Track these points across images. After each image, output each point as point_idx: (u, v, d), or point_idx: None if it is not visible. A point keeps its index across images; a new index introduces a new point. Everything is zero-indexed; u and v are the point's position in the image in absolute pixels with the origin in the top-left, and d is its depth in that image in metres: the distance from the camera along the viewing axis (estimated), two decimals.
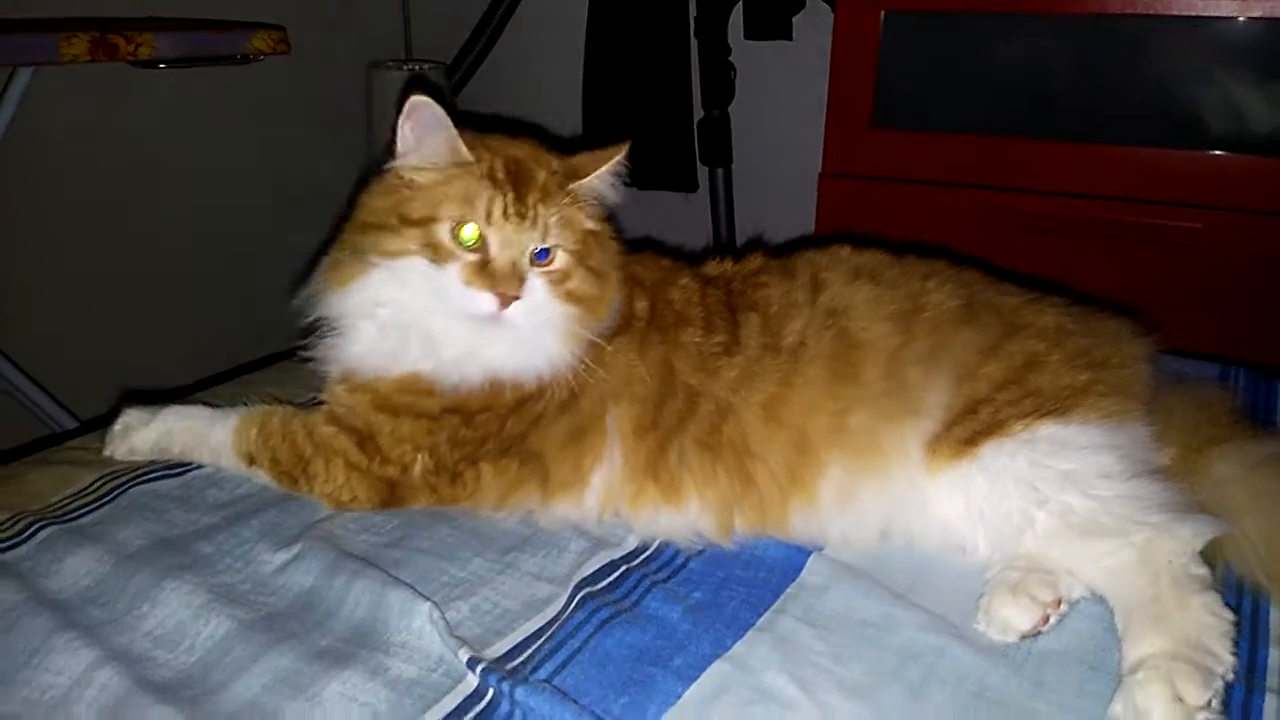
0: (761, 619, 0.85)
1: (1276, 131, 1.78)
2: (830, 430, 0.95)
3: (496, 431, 0.97)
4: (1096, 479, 0.87)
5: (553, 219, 0.93)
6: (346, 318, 0.98)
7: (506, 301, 0.90)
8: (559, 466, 0.96)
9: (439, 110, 0.91)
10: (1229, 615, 0.78)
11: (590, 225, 0.98)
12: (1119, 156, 1.88)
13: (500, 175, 0.92)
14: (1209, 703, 0.72)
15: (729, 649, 0.81)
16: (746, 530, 0.96)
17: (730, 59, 2.39)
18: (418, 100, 0.91)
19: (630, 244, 1.10)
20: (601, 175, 0.97)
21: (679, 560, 0.94)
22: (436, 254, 0.91)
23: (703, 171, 2.52)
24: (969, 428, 0.93)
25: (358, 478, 0.97)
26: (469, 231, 0.91)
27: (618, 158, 0.97)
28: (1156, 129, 1.86)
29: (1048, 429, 0.91)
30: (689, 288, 1.06)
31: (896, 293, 1.02)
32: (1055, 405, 0.92)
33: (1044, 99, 1.96)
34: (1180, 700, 0.71)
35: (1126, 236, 1.89)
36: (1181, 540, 0.82)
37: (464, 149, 0.93)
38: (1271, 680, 0.78)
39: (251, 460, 1.00)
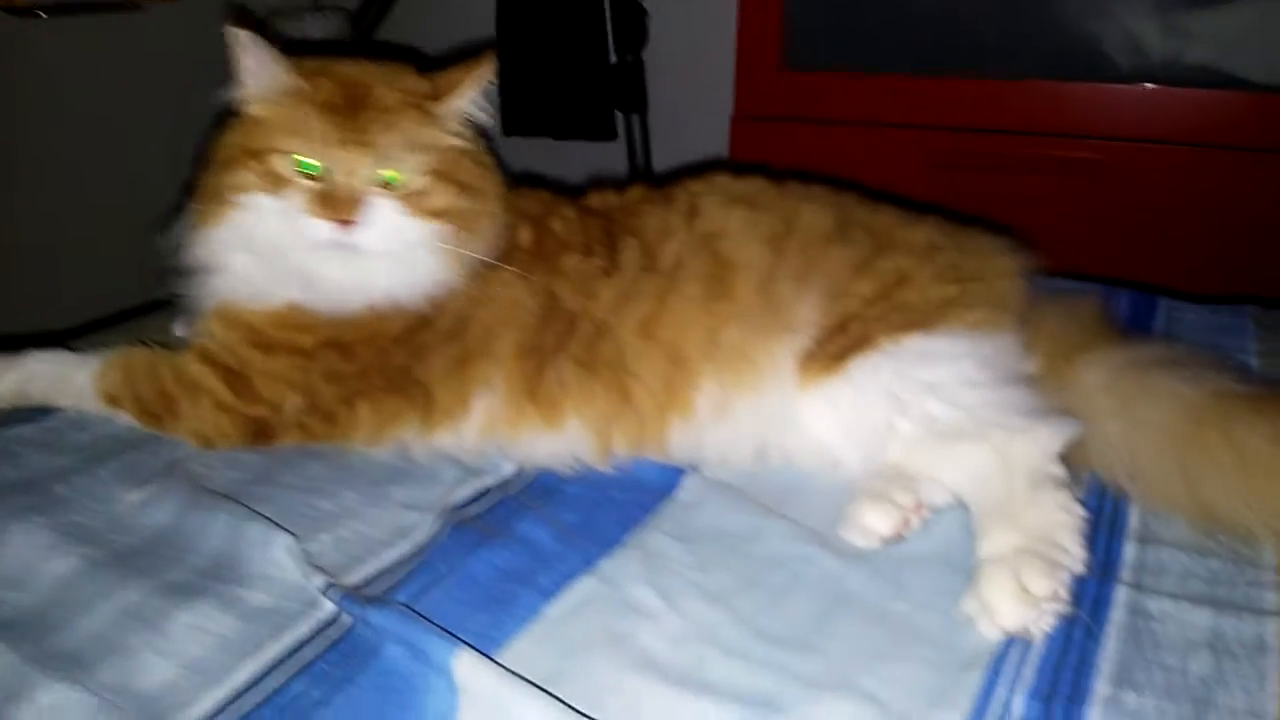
0: (632, 536, 0.85)
1: (1172, 62, 1.81)
2: (705, 345, 0.95)
3: (378, 365, 0.95)
4: (958, 387, 0.88)
5: (395, 140, 0.91)
6: (217, 254, 0.96)
7: (346, 227, 0.89)
8: (443, 395, 0.95)
9: (260, 41, 0.89)
10: (1080, 511, 0.79)
11: (454, 142, 0.96)
12: (1027, 91, 1.89)
13: (337, 101, 0.90)
14: (1054, 593, 0.73)
15: (595, 565, 0.81)
16: (625, 450, 0.96)
17: (641, 2, 2.35)
18: (236, 33, 0.89)
19: (515, 179, 1.08)
20: (464, 93, 0.95)
21: (554, 485, 0.93)
22: (276, 185, 0.90)
23: (620, 120, 2.49)
24: (839, 344, 0.93)
25: (226, 417, 0.95)
26: (306, 160, 0.89)
27: (480, 73, 0.95)
28: (1062, 62, 1.88)
29: (913, 341, 0.91)
30: (570, 217, 1.05)
31: (771, 215, 1.02)
32: (922, 318, 0.93)
33: (952, 35, 1.97)
34: (1026, 591, 0.72)
35: (1035, 169, 1.90)
36: (1038, 442, 0.83)
37: (294, 78, 0.91)
38: (1125, 574, 0.80)
39: (114, 401, 0.98)
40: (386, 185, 0.91)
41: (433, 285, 0.94)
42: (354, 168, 0.90)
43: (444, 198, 0.93)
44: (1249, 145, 1.76)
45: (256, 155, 0.90)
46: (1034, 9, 1.88)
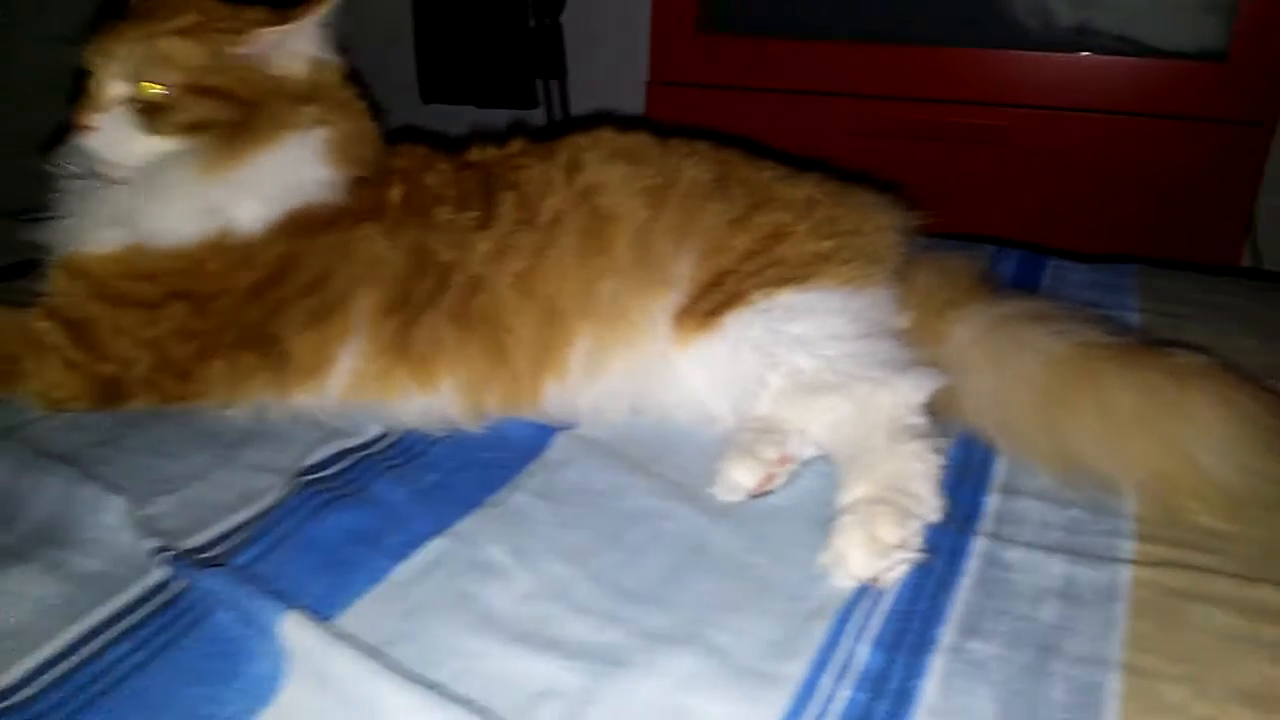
0: (494, 496, 0.83)
1: (1081, 28, 1.81)
2: (580, 300, 0.93)
3: (232, 321, 0.91)
4: (826, 340, 0.87)
5: (136, 51, 0.89)
6: (61, 191, 0.94)
7: (85, 133, 0.90)
8: (300, 350, 0.91)
9: None
10: (937, 460, 0.79)
11: (244, 63, 0.93)
12: (940, 58, 1.89)
13: (131, 14, 0.91)
14: (905, 541, 0.72)
15: (451, 526, 0.78)
16: (499, 408, 0.93)
17: None
18: None
19: (391, 136, 1.05)
20: (285, 27, 0.93)
21: (420, 446, 0.90)
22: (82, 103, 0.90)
23: (540, 86, 2.45)
24: (714, 299, 0.92)
25: (74, 376, 0.91)
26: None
27: (310, 13, 0.93)
28: (976, 29, 1.88)
29: (786, 296, 0.90)
30: (445, 171, 1.02)
31: (651, 169, 1.00)
32: (796, 273, 0.91)
33: (866, 2, 1.96)
34: (877, 540, 0.71)
35: (948, 136, 1.91)
36: (899, 393, 0.82)
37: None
38: (986, 524, 0.79)
39: None
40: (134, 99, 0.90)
41: (215, 211, 0.91)
42: (101, 75, 0.90)
43: (197, 110, 0.90)
44: (1155, 111, 1.78)
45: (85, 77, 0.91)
46: None
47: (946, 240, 1.22)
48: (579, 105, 2.45)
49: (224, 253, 0.90)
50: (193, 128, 0.90)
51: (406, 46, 2.47)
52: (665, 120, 2.04)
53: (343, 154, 0.96)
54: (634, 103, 2.13)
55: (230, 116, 0.91)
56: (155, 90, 0.90)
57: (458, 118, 2.43)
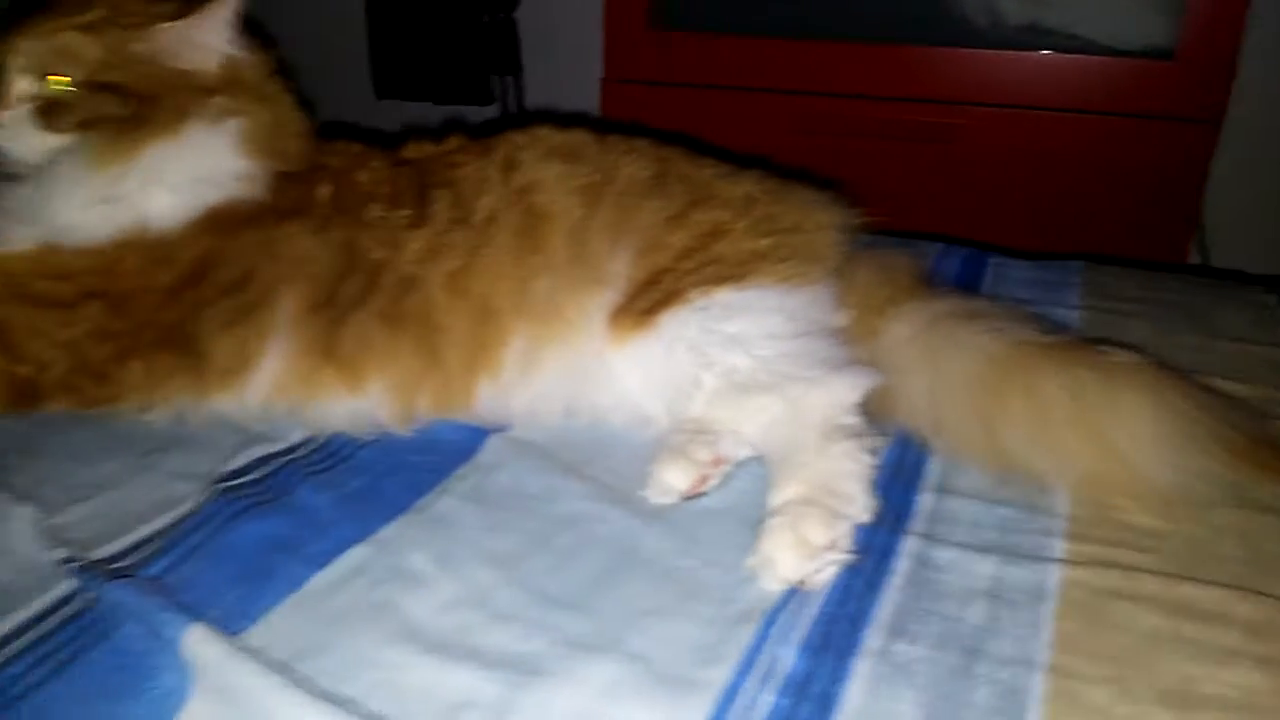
0: (421, 501, 0.81)
1: (1029, 26, 1.82)
2: (514, 298, 0.92)
3: (151, 320, 0.88)
4: (761, 339, 0.86)
5: (37, 47, 0.87)
6: None
7: None
8: (219, 350, 0.89)
9: None
10: (869, 460, 0.78)
11: (144, 58, 0.90)
12: (892, 56, 1.89)
13: (44, 9, 0.89)
14: (835, 542, 0.71)
15: (375, 532, 0.76)
16: (431, 410, 0.91)
17: None
18: None
19: (324, 132, 1.03)
20: (190, 21, 0.90)
21: (346, 450, 0.88)
22: None
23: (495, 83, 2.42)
24: (650, 298, 0.91)
25: None
26: None
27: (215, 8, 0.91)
28: (926, 27, 1.88)
29: (723, 294, 0.89)
30: (379, 169, 1.00)
31: (588, 167, 0.98)
32: (733, 271, 0.90)
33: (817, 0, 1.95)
34: (805, 542, 0.70)
35: (899, 134, 1.91)
36: (832, 392, 0.82)
37: None
38: (918, 524, 0.79)
39: None
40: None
41: (121, 206, 0.89)
42: (7, 72, 0.88)
43: (92, 105, 0.88)
44: (1105, 109, 1.79)
45: None
46: None
47: (893, 238, 1.22)
48: (536, 102, 2.43)
49: (142, 251, 0.88)
50: (86, 124, 0.88)
51: (362, 42, 2.44)
52: (619, 117, 2.05)
53: (261, 145, 0.94)
54: (590, 100, 2.12)
55: (125, 111, 0.88)
56: (59, 86, 0.87)
57: (416, 113, 2.41)
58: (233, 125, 0.92)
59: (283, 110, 0.97)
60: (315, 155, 0.99)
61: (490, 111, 2.44)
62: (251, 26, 0.96)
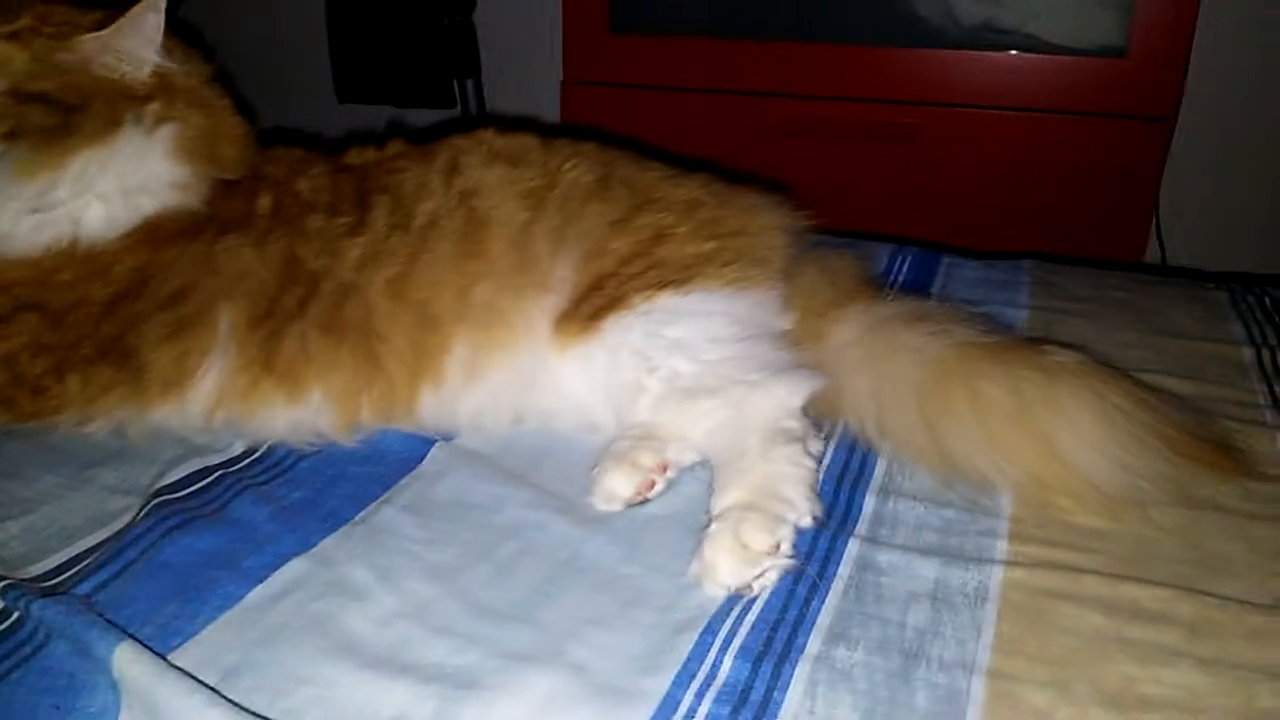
0: (362, 513, 0.80)
1: (984, 26, 1.83)
2: (455, 305, 0.91)
3: (89, 333, 0.87)
4: (705, 343, 0.86)
5: None
6: None
7: None
8: (158, 362, 0.87)
9: None
10: (810, 464, 0.78)
11: (72, 66, 0.88)
12: (850, 57, 1.90)
13: None
14: (777, 547, 0.71)
15: (314, 546, 0.75)
16: (374, 420, 0.90)
17: None
18: None
19: (263, 138, 1.01)
20: (111, 31, 0.88)
21: (288, 461, 0.87)
22: None
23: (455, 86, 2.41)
24: (594, 303, 0.90)
25: None
26: None
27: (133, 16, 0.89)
28: (884, 27, 1.89)
29: (666, 299, 0.89)
30: (319, 176, 0.99)
31: (531, 171, 0.98)
32: (677, 275, 0.90)
33: (775, 0, 1.96)
34: (745, 547, 0.70)
35: (857, 134, 1.91)
36: (775, 396, 0.82)
37: None
38: (862, 527, 0.79)
39: None
40: None
41: (52, 216, 0.87)
42: None
43: (18, 117, 0.86)
44: (1060, 108, 1.81)
45: None
46: None
47: (848, 238, 1.22)
48: (497, 105, 2.42)
49: (77, 262, 0.86)
50: (13, 134, 0.86)
51: (323, 47, 2.42)
52: (580, 120, 2.04)
53: (197, 152, 0.92)
54: (552, 103, 2.11)
55: (53, 120, 0.86)
56: None
57: (380, 117, 2.40)
58: (166, 133, 0.91)
59: (219, 116, 0.96)
60: (256, 162, 0.98)
61: (453, 114, 2.42)
62: (188, 34, 0.95)
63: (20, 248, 0.86)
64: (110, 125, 0.88)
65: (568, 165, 0.98)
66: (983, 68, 1.84)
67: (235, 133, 0.96)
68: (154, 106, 0.91)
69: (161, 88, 0.91)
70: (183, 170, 0.91)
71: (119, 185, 0.88)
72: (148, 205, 0.89)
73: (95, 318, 0.87)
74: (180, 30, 0.95)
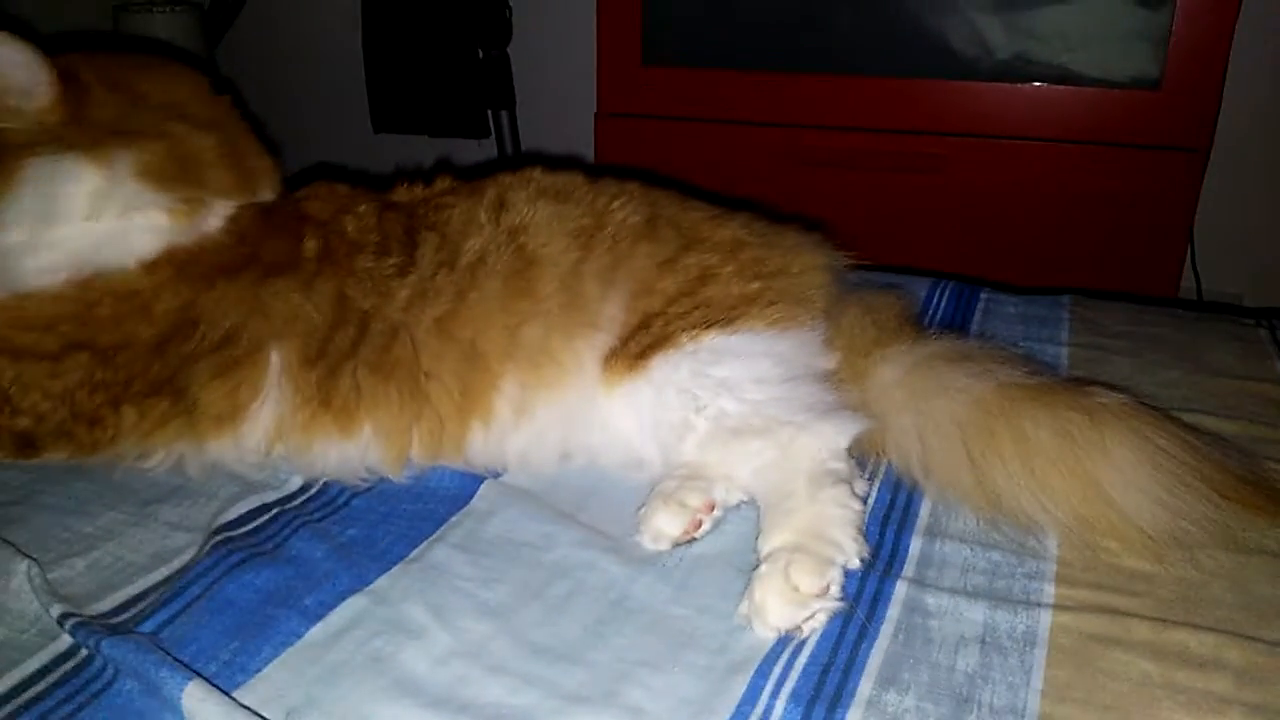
0: (416, 550, 0.82)
1: (1016, 58, 1.84)
2: (504, 344, 0.92)
3: (141, 373, 0.89)
4: (751, 384, 0.87)
5: None
6: None
7: None
8: (210, 399, 0.89)
9: None
10: (857, 506, 0.79)
11: None
12: (883, 89, 1.92)
13: None
14: (826, 589, 0.72)
15: (371, 583, 0.77)
16: (423, 456, 0.92)
17: None
18: None
19: (304, 176, 1.03)
20: None
21: (342, 499, 0.89)
22: None
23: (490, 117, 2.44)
24: (642, 342, 0.92)
25: None
26: None
27: None
28: (918, 60, 1.90)
29: (712, 339, 0.90)
30: (366, 215, 1.00)
31: (579, 210, 0.99)
32: (723, 315, 0.91)
33: (808, 32, 1.98)
34: (795, 589, 0.71)
35: (889, 166, 1.93)
36: (822, 437, 0.83)
37: None
38: (909, 569, 0.79)
39: None
40: None
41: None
42: None
43: None
44: (1092, 139, 1.82)
45: None
46: (888, 8, 1.90)
47: (884, 274, 1.23)
48: (531, 136, 2.46)
49: (112, 298, 0.88)
50: None
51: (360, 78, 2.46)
52: (613, 152, 2.07)
53: (176, 177, 0.92)
54: (586, 134, 2.14)
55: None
56: None
57: (414, 148, 2.44)
58: (126, 158, 0.90)
59: (193, 141, 0.94)
60: (300, 196, 1.00)
61: (488, 145, 2.46)
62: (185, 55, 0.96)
63: (37, 283, 0.88)
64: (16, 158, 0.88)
65: (615, 205, 1.00)
66: (1015, 99, 1.85)
67: (212, 153, 0.95)
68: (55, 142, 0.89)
69: (70, 120, 0.89)
70: (163, 196, 0.91)
71: (36, 216, 0.89)
72: (142, 231, 0.90)
73: (145, 359, 0.88)
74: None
